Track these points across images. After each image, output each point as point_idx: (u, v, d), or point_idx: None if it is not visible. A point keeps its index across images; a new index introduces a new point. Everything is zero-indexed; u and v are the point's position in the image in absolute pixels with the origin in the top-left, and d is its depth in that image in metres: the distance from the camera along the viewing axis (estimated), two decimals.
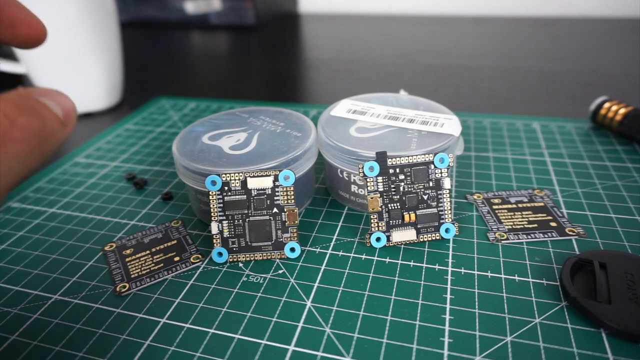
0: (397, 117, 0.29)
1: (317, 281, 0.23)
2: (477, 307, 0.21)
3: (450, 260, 0.24)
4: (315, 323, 0.21)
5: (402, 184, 0.25)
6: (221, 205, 0.24)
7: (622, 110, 0.35)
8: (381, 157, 0.25)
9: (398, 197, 0.25)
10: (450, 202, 0.25)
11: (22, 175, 0.13)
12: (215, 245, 0.24)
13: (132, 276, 0.24)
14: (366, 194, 0.25)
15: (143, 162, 0.36)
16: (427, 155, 0.25)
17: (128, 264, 0.25)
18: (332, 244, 0.26)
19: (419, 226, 0.25)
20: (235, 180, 0.24)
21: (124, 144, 0.39)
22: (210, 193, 0.24)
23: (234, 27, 0.78)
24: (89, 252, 0.26)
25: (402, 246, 0.25)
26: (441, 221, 0.25)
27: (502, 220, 0.27)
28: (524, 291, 0.22)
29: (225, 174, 0.24)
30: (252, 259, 0.25)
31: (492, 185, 0.30)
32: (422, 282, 0.23)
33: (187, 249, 0.26)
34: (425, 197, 0.25)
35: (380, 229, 0.25)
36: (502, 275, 0.23)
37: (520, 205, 0.28)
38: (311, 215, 0.28)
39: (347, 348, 0.20)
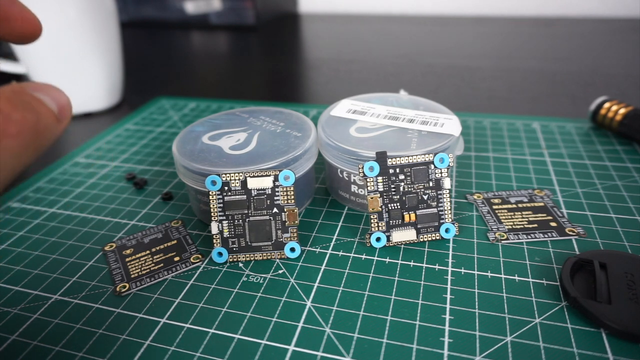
0: (397, 117, 0.29)
1: (317, 281, 0.23)
2: (477, 307, 0.21)
3: (450, 260, 0.24)
4: (315, 323, 0.21)
5: (402, 184, 0.25)
6: (221, 205, 0.24)
7: (622, 110, 0.35)
8: (381, 157, 0.25)
9: (398, 197, 0.25)
10: (450, 202, 0.25)
11: (17, 171, 0.13)
12: (215, 245, 0.24)
13: (132, 276, 0.24)
14: (366, 194, 0.25)
15: (143, 162, 0.36)
16: (427, 155, 0.25)
17: (128, 264, 0.25)
18: (332, 244, 0.26)
19: (419, 226, 0.25)
20: (235, 180, 0.24)
21: (124, 144, 0.39)
22: (210, 193, 0.24)
23: (234, 27, 0.78)
24: (89, 252, 0.26)
25: (402, 246, 0.25)
26: (441, 221, 0.25)
27: (502, 220, 0.27)
28: (524, 291, 0.22)
29: (225, 174, 0.24)
30: (252, 259, 0.25)
31: (492, 185, 0.30)
32: (422, 282, 0.23)
33: (187, 249, 0.26)
34: (425, 197, 0.25)
35: (380, 229, 0.25)
36: (502, 275, 0.23)
37: (520, 205, 0.28)
38: (311, 215, 0.28)
39: (347, 348, 0.20)
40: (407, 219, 0.25)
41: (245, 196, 0.24)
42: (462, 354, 0.19)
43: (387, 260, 0.24)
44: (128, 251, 0.26)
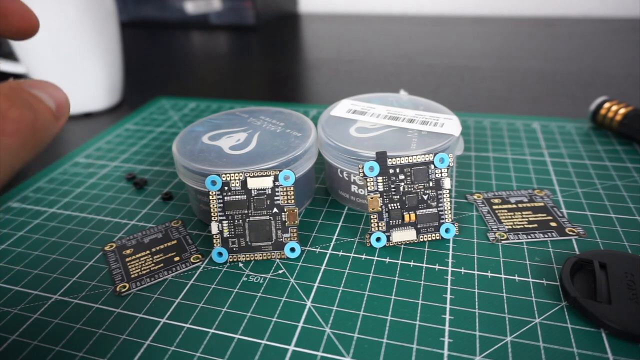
0: (397, 117, 0.29)
1: (317, 281, 0.23)
2: (477, 307, 0.21)
3: (450, 260, 0.24)
4: (315, 323, 0.21)
5: (402, 184, 0.25)
6: (221, 205, 0.24)
7: (622, 110, 0.35)
8: (381, 157, 0.25)
9: (398, 197, 0.25)
10: (450, 202, 0.25)
11: (15, 170, 0.13)
12: (215, 245, 0.24)
13: (132, 276, 0.24)
14: (366, 194, 0.25)
15: (143, 162, 0.36)
16: (427, 155, 0.25)
17: (128, 264, 0.25)
18: (332, 244, 0.26)
19: (419, 226, 0.25)
20: (235, 180, 0.24)
21: (124, 144, 0.39)
22: (210, 193, 0.24)
23: (234, 27, 0.78)
24: (89, 252, 0.26)
25: (402, 246, 0.25)
26: (441, 221, 0.25)
27: (502, 220, 0.27)
28: (524, 291, 0.22)
29: (225, 174, 0.24)
30: (252, 259, 0.25)
31: (492, 185, 0.30)
32: (422, 282, 0.23)
33: (187, 249, 0.26)
34: (425, 197, 0.25)
35: (380, 229, 0.25)
36: (502, 275, 0.23)
37: (520, 205, 0.28)
38: (311, 215, 0.28)
39: (347, 348, 0.20)
40: (407, 219, 0.25)
41: (245, 196, 0.24)
42: (462, 354, 0.19)
43: (387, 260, 0.24)
44: (128, 251, 0.26)
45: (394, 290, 0.22)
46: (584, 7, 0.76)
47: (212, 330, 0.21)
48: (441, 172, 0.25)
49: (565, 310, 0.21)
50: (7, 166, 0.13)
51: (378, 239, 0.25)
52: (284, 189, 0.24)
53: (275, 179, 0.24)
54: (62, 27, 0.41)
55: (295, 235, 0.25)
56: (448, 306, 0.21)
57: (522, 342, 0.19)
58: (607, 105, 0.36)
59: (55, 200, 0.31)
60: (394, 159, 0.25)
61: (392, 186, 0.25)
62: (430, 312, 0.21)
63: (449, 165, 0.25)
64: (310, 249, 0.26)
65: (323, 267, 0.24)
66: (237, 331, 0.21)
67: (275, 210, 0.25)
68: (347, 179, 0.28)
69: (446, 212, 0.25)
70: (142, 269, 0.25)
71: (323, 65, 0.58)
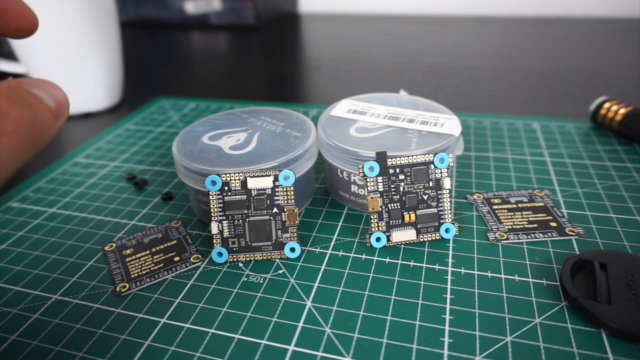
0: (397, 117, 0.29)
1: (317, 281, 0.23)
2: (477, 307, 0.21)
3: (450, 260, 0.24)
4: (315, 323, 0.21)
5: (402, 184, 0.25)
6: (221, 205, 0.24)
7: (622, 110, 0.35)
8: (381, 157, 0.25)
9: (398, 197, 0.25)
10: (450, 202, 0.25)
11: (15, 169, 0.13)
12: (215, 245, 0.24)
13: (132, 276, 0.24)
14: (366, 194, 0.25)
15: (143, 162, 0.36)
16: (427, 155, 0.25)
17: (128, 264, 0.25)
18: (332, 244, 0.26)
19: (419, 226, 0.25)
20: (235, 180, 0.24)
21: (124, 144, 0.39)
22: (210, 193, 0.24)
23: (234, 27, 0.78)
24: (89, 252, 0.26)
25: (402, 246, 0.25)
26: (441, 221, 0.25)
27: (502, 220, 0.27)
28: (524, 291, 0.22)
29: (225, 174, 0.24)
30: (252, 259, 0.25)
31: (492, 185, 0.30)
32: (422, 282, 0.23)
33: (187, 249, 0.26)
34: (425, 197, 0.25)
35: (380, 229, 0.25)
36: (502, 275, 0.23)
37: (520, 205, 0.28)
38: (311, 215, 0.28)
39: (347, 348, 0.20)
40: (407, 219, 0.25)
41: (245, 196, 0.24)
42: (462, 354, 0.19)
43: (387, 260, 0.24)
44: (128, 251, 0.26)
45: (394, 290, 0.22)
46: (584, 7, 0.76)
47: (212, 330, 0.21)
48: (441, 172, 0.25)
49: (565, 310, 0.21)
50: (7, 166, 0.13)
51: (378, 239, 0.25)
52: (284, 189, 0.24)
53: (275, 179, 0.24)
54: (62, 27, 0.41)
55: (295, 235, 0.25)
56: (448, 306, 0.21)
57: (522, 342, 0.19)
58: (607, 105, 0.36)
59: (55, 200, 0.31)
60: (394, 159, 0.25)
61: (392, 186, 0.25)
62: (430, 312, 0.21)
63: (449, 165, 0.25)
64: (310, 249, 0.26)
65: (323, 267, 0.24)
66: (237, 331, 0.21)
67: (275, 210, 0.25)
68: (347, 179, 0.28)
69: (446, 212, 0.25)
70: (142, 269, 0.25)
71: (323, 65, 0.58)
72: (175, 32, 0.78)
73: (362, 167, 0.24)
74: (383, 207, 0.25)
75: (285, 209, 0.24)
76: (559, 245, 0.25)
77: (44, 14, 0.40)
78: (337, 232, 0.27)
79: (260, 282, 0.23)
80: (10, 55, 0.53)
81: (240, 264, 0.25)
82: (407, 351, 0.19)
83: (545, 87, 0.48)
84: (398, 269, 0.24)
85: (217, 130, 0.29)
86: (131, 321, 0.21)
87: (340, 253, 0.25)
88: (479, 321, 0.20)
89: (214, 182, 0.24)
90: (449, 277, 0.23)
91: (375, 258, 0.25)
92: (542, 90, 0.47)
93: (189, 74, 0.58)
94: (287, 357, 0.19)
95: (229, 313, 0.22)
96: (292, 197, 0.24)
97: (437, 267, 0.24)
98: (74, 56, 0.43)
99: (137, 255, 0.26)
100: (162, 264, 0.25)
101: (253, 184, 0.24)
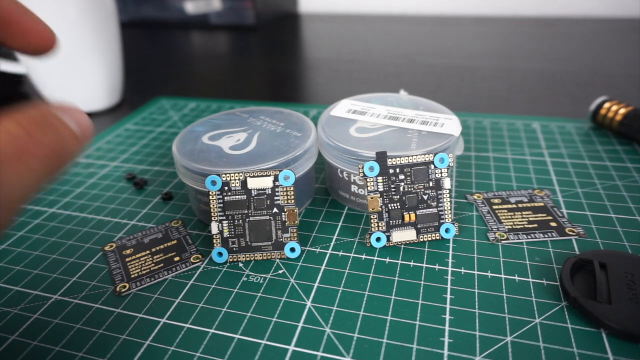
0: (397, 117, 0.29)
1: (317, 281, 0.23)
2: (477, 307, 0.21)
3: (450, 260, 0.24)
4: (315, 323, 0.21)
5: (402, 184, 0.25)
6: (221, 205, 0.24)
7: (622, 110, 0.35)
8: (381, 157, 0.25)
9: (398, 197, 0.25)
10: (450, 202, 0.25)
11: (36, 190, 0.14)
12: (215, 245, 0.24)
13: (132, 276, 0.24)
14: (366, 194, 0.25)
15: (143, 162, 0.36)
16: (427, 155, 0.25)
17: (128, 264, 0.25)
18: (332, 244, 0.26)
19: (419, 226, 0.25)
20: (235, 180, 0.24)
21: (124, 144, 0.39)
22: (210, 193, 0.24)
23: (234, 27, 0.78)
24: (89, 252, 0.26)
25: (402, 246, 0.25)
26: (441, 221, 0.25)
27: (502, 220, 0.27)
28: (524, 291, 0.22)
29: (225, 174, 0.24)
30: (252, 259, 0.25)
31: (492, 185, 0.30)
32: (422, 282, 0.23)
33: (187, 249, 0.26)
34: (425, 197, 0.25)
35: (380, 229, 0.25)
36: (502, 275, 0.23)
37: (520, 205, 0.28)
38: (311, 215, 0.28)
39: (347, 348, 0.20)
40: (407, 219, 0.25)
41: (245, 196, 0.24)
42: (462, 354, 0.19)
43: (387, 260, 0.24)
44: (128, 251, 0.26)
45: (394, 290, 0.22)
46: (584, 7, 0.76)
47: (212, 330, 0.21)
48: (441, 172, 0.25)
49: (565, 310, 0.21)
50: (31, 186, 0.13)
51: (378, 239, 0.25)
52: (284, 189, 0.24)
53: (275, 179, 0.24)
54: (62, 27, 0.41)
55: (295, 235, 0.25)
56: (448, 306, 0.21)
57: (522, 342, 0.19)
58: (607, 105, 0.36)
59: (55, 200, 0.31)
60: (394, 159, 0.25)
61: (392, 186, 0.25)
62: (430, 312, 0.21)
63: (449, 165, 0.25)
64: (310, 249, 0.26)
65: (323, 267, 0.24)
66: (237, 331, 0.21)
67: (275, 210, 0.25)
68: (347, 179, 0.28)
69: (446, 212, 0.25)
70: (142, 269, 0.25)
71: (323, 65, 0.58)
72: (175, 32, 0.78)
73: (362, 167, 0.24)
74: (383, 207, 0.25)
75: (285, 209, 0.24)
76: (559, 245, 0.25)
77: (43, 14, 0.40)
78: (337, 232, 0.27)
79: (260, 282, 0.23)
80: (10, 56, 0.53)
81: (240, 264, 0.25)
82: (407, 351, 0.19)
83: (545, 87, 0.48)
84: (398, 269, 0.24)
85: (217, 130, 0.29)
86: (131, 321, 0.21)
87: (340, 253, 0.25)
88: (479, 321, 0.20)
89: (214, 182, 0.24)
90: (449, 277, 0.23)
91: (375, 258, 0.25)
92: (542, 90, 0.47)
93: (189, 74, 0.58)
94: (287, 357, 0.19)
95: (229, 313, 0.22)
96: (292, 197, 0.24)
97: (437, 267, 0.24)
98: (74, 56, 0.43)
99: (137, 255, 0.26)
100: (162, 264, 0.25)
101: (253, 184, 0.24)
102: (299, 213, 0.29)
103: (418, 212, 0.25)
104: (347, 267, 0.24)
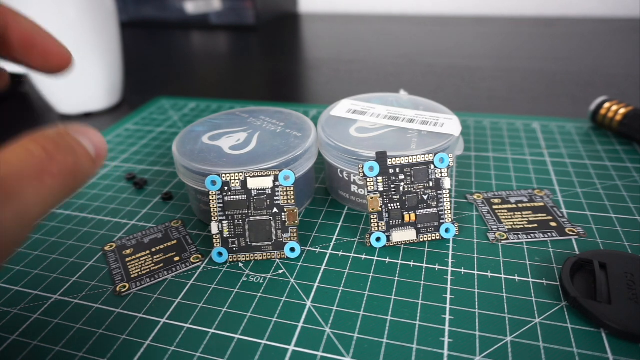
0: (397, 117, 0.29)
1: (317, 281, 0.23)
2: (477, 307, 0.21)
3: (450, 260, 0.24)
4: (315, 323, 0.21)
5: (402, 184, 0.25)
6: (221, 205, 0.24)
7: (622, 110, 0.35)
8: (381, 157, 0.25)
9: (398, 197, 0.25)
10: (450, 202, 0.25)
11: (52, 208, 0.14)
12: (215, 245, 0.24)
13: (132, 276, 0.24)
14: (366, 194, 0.25)
15: (143, 162, 0.36)
16: (427, 155, 0.25)
17: (128, 264, 0.25)
18: (332, 244, 0.26)
19: (419, 226, 0.25)
20: (235, 180, 0.24)
21: (124, 144, 0.39)
22: (210, 193, 0.24)
23: (234, 27, 0.78)
24: (89, 252, 0.26)
25: (402, 246, 0.25)
26: (441, 221, 0.25)
27: (502, 220, 0.27)
28: (524, 291, 0.22)
29: (225, 174, 0.24)
30: (252, 259, 0.25)
31: (492, 185, 0.30)
32: (422, 282, 0.23)
33: (187, 249, 0.26)
34: (425, 197, 0.25)
35: (380, 229, 0.25)
36: (502, 275, 0.23)
37: (520, 205, 0.28)
38: (311, 215, 0.28)
39: (347, 348, 0.20)
40: (407, 219, 0.25)
41: (245, 196, 0.24)
42: (462, 354, 0.19)
43: (387, 260, 0.24)
44: (128, 251, 0.26)
45: (394, 290, 0.22)
46: (584, 7, 0.76)
47: (212, 330, 0.21)
48: (441, 172, 0.25)
49: (565, 310, 0.21)
50: (48, 205, 0.14)
51: (378, 239, 0.25)
52: (284, 189, 0.24)
53: (275, 179, 0.24)
54: (62, 27, 0.41)
55: (295, 235, 0.25)
56: (448, 306, 0.21)
57: (522, 342, 0.19)
58: (607, 105, 0.36)
59: None
60: (394, 159, 0.25)
61: (392, 186, 0.25)
62: (430, 312, 0.21)
63: (449, 165, 0.25)
64: (310, 249, 0.26)
65: (323, 267, 0.24)
66: (237, 331, 0.21)
67: (275, 210, 0.25)
68: (347, 179, 0.28)
69: (446, 212, 0.25)
70: (142, 269, 0.25)
71: (323, 65, 0.58)
72: (175, 32, 0.78)
73: (362, 167, 0.24)
74: (383, 207, 0.25)
75: (285, 209, 0.25)
76: (559, 245, 0.25)
77: (43, 14, 0.40)
78: (337, 232, 0.27)
79: (260, 282, 0.23)
80: None
81: (240, 264, 0.25)
82: (407, 351, 0.19)
83: (545, 87, 0.48)
84: (398, 269, 0.24)
85: (217, 130, 0.29)
86: (131, 321, 0.21)
87: (340, 253, 0.25)
88: (479, 321, 0.20)
89: (214, 182, 0.24)
90: (449, 277, 0.23)
91: (375, 258, 0.25)
92: (542, 90, 0.47)
93: (189, 74, 0.58)
94: (287, 357, 0.19)
95: (229, 313, 0.22)
96: (292, 197, 0.24)
97: (437, 267, 0.24)
98: (74, 56, 0.43)
99: (137, 255, 0.26)
100: (162, 264, 0.25)
101: (253, 184, 0.24)
102: (299, 213, 0.29)
103: (418, 212, 0.25)
104: (347, 267, 0.24)
